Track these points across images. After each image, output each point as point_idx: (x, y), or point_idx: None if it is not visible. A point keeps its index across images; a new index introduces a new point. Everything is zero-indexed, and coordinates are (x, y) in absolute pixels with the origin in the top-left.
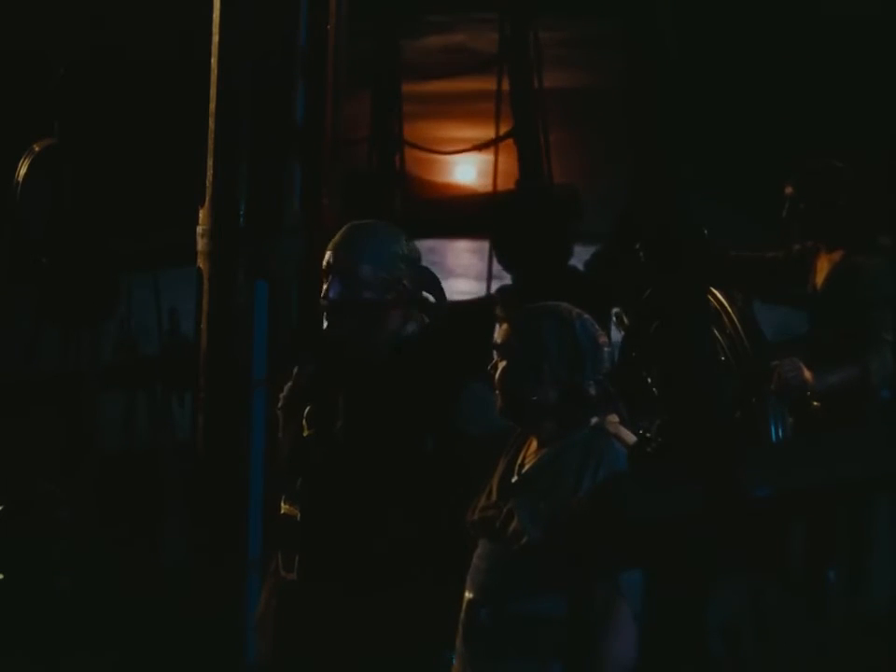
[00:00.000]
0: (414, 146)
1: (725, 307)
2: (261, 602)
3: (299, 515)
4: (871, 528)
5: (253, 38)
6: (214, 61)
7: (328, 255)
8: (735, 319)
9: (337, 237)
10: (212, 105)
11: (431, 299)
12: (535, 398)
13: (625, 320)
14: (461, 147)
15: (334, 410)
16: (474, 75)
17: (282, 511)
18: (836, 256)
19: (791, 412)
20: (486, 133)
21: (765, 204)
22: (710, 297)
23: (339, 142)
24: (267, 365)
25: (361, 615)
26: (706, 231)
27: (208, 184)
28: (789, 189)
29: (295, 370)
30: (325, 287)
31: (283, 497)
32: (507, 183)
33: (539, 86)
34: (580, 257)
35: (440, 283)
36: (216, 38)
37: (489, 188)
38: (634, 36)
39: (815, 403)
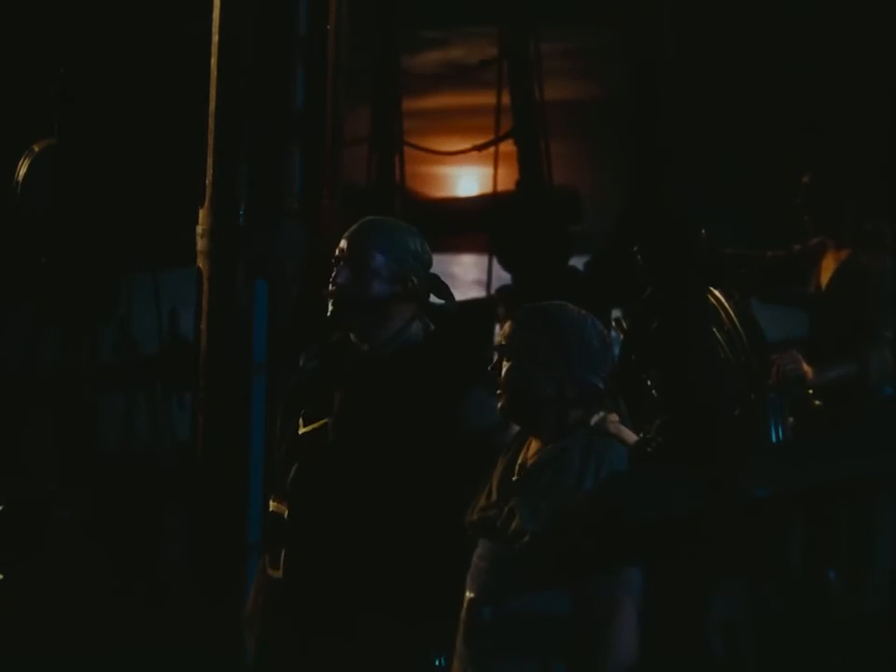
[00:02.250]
0: (415, 146)
1: (723, 304)
2: (251, 599)
3: (286, 512)
4: (871, 528)
5: (252, 37)
6: (214, 60)
7: (341, 242)
8: (733, 315)
9: (353, 227)
10: (212, 105)
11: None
12: (537, 397)
13: (624, 325)
14: (461, 159)
15: (330, 407)
16: (473, 87)
17: (270, 509)
18: (843, 254)
19: (791, 411)
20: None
21: (765, 205)
22: (708, 294)
23: (339, 141)
24: (266, 363)
25: (346, 614)
26: (704, 231)
27: (208, 184)
28: (805, 178)
29: (301, 361)
30: (333, 273)
31: (273, 494)
32: (507, 187)
33: (539, 93)
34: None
35: (448, 288)
36: (215, 38)
37: (489, 191)
38: (633, 40)
39: (816, 402)
